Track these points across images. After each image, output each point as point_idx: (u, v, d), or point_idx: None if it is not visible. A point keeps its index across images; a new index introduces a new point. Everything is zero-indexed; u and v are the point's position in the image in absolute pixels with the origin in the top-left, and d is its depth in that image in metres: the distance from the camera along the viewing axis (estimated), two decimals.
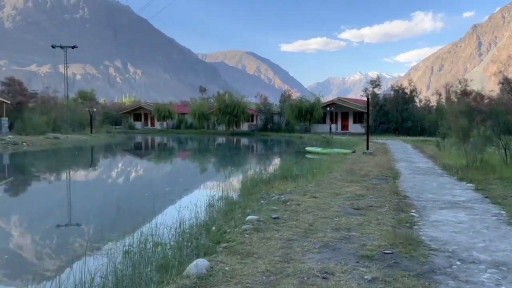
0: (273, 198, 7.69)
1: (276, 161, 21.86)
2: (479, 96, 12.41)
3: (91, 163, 22.00)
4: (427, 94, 46.41)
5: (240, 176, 11.66)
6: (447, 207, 6.99)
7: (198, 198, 8.51)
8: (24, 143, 27.74)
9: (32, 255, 6.87)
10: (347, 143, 27.58)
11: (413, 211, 6.58)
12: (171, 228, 6.19)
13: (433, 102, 45.36)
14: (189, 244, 5.27)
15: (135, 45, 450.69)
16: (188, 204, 7.69)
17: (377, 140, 30.43)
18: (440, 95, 43.88)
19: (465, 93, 11.60)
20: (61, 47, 44.99)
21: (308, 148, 24.97)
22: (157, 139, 45.48)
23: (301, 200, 7.29)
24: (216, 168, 20.09)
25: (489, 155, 13.86)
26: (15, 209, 10.63)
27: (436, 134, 27.67)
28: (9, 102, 36.92)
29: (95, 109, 47.06)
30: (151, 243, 5.41)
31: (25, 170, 19.43)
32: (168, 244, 5.41)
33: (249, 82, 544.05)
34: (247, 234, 5.07)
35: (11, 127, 35.35)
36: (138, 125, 65.32)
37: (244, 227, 5.34)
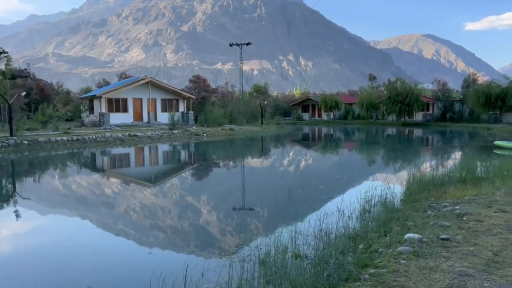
0: (444, 209, 6.24)
1: (454, 158, 18.96)
2: None
3: (256, 154, 22.93)
4: None
5: (406, 175, 10.14)
6: None
7: (352, 200, 7.59)
8: (205, 134, 30.90)
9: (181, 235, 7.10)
10: None
11: None
12: (315, 236, 5.50)
13: None
14: (332, 260, 4.49)
15: (307, 37, 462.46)
16: (339, 207, 6.88)
17: None
18: None
19: None
20: (237, 44, 48.70)
21: (497, 143, 20.95)
22: (323, 130, 45.34)
23: (484, 214, 5.69)
24: (380, 164, 18.48)
25: None
26: (193, 191, 11.54)
27: None
28: (194, 97, 41.82)
29: (265, 102, 49.61)
30: (290, 253, 4.83)
31: (204, 158, 21.50)
32: (308, 258, 4.74)
33: (426, 67, 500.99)
34: (403, 260, 4.02)
35: (196, 119, 40.01)
36: (306, 116, 66.61)
37: (400, 248, 4.28)
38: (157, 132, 29.06)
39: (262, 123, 43.65)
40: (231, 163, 19.40)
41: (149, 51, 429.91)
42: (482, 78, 56.89)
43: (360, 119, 57.55)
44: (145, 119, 38.92)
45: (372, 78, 74.49)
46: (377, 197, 7.67)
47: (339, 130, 44.59)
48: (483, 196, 7.08)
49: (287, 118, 69.62)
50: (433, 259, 3.99)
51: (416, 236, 4.57)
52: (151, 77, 40.61)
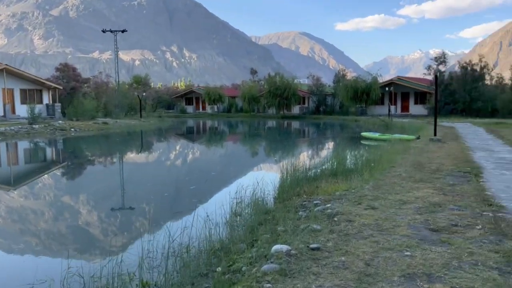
0: (316, 208, 5.83)
1: (326, 149, 19.76)
2: None
3: (129, 151, 21.04)
4: (494, 72, 41.49)
5: (281, 170, 9.75)
6: None
7: (223, 201, 6.84)
8: (72, 129, 27.69)
9: None
10: (409, 127, 24.79)
11: None
12: (174, 252, 4.57)
13: (507, 80, 40.56)
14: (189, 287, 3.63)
15: (190, 29, 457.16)
16: (206, 211, 6.06)
17: (443, 123, 27.20)
18: None
19: None
20: (111, 31, 45.08)
21: (364, 134, 22.51)
22: (205, 123, 44.68)
23: (355, 213, 5.39)
24: (258, 158, 18.28)
25: None
26: (47, 195, 9.64)
27: None
28: (61, 87, 37.46)
29: (144, 93, 46.89)
30: (136, 282, 3.83)
31: (66, 156, 18.94)
32: (158, 286, 3.80)
33: (302, 63, 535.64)
34: (268, 283, 3.31)
35: (64, 113, 35.88)
36: (190, 109, 65.27)
37: (265, 267, 3.58)
38: (12, 128, 25.09)
39: (141, 116, 41.17)
40: (94, 161, 17.38)
41: (12, 36, 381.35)
42: (351, 74, 61.87)
43: (243, 112, 58.30)
44: (0, 112, 33.67)
45: (253, 72, 76.18)
46: (250, 196, 7.06)
47: (223, 123, 44.39)
48: (353, 190, 6.92)
49: (170, 111, 67.48)
50: (302, 279, 3.36)
51: (284, 247, 3.94)
52: (6, 64, 35.25)
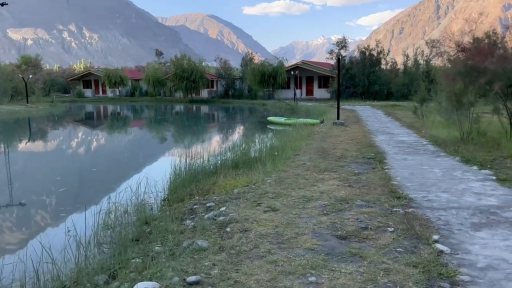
0: (207, 214, 4.80)
1: (232, 135, 18.87)
2: (491, 47, 9.57)
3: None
4: (389, 57, 44.48)
5: (179, 161, 8.47)
6: (482, 222, 4.38)
7: (96, 209, 5.49)
8: None
9: None
10: (313, 110, 24.98)
11: (435, 236, 3.93)
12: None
13: (400, 65, 43.59)
14: None
15: (90, 7, 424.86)
16: (71, 224, 4.74)
17: (344, 106, 28.01)
18: (407, 57, 42.16)
19: (463, 49, 8.96)
20: None
21: (270, 118, 22.02)
22: (105, 109, 41.24)
23: (252, 218, 4.46)
24: (156, 148, 16.54)
25: (483, 124, 11.59)
26: None
27: (409, 99, 25.60)
28: None
29: (30, 76, 41.59)
30: None
31: None
32: None
33: (211, 46, 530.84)
34: None
35: None
36: (88, 93, 60.11)
37: None
38: None
39: (28, 102, 36.54)
40: None
41: None
42: (259, 59, 61.69)
43: (148, 96, 55.26)
44: None
45: (159, 53, 72.64)
46: (132, 199, 5.81)
47: (126, 108, 41.41)
48: (253, 186, 6.04)
49: (66, 95, 61.75)
50: None
51: (150, 286, 2.84)
52: None
